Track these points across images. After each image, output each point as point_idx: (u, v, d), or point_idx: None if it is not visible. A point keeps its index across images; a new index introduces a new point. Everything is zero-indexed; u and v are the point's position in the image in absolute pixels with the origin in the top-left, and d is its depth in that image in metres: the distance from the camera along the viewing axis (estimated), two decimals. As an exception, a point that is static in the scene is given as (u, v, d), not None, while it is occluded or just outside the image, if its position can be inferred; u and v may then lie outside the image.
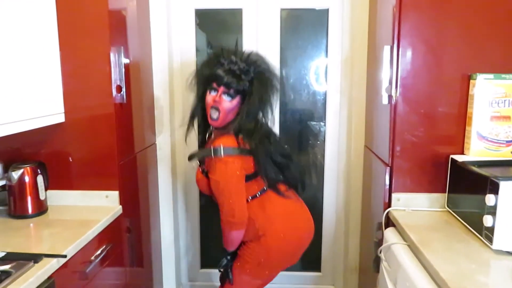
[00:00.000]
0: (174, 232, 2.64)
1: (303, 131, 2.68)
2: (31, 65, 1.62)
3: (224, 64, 1.65)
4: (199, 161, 1.79)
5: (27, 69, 1.60)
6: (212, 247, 2.85)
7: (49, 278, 1.32)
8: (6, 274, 1.22)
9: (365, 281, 2.37)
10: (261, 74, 1.70)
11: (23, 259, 1.31)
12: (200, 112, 1.77)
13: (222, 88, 1.63)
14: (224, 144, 1.61)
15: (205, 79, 1.69)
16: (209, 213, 2.82)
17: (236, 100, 1.66)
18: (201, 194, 2.75)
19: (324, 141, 2.62)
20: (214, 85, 1.65)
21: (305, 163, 2.59)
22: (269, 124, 1.79)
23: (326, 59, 2.52)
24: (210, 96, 1.67)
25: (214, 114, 1.65)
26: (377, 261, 1.88)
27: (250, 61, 1.69)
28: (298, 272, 2.76)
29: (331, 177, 2.63)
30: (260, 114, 1.72)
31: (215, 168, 1.62)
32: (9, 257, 1.33)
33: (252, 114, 1.66)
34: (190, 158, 1.78)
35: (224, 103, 1.64)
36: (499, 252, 1.37)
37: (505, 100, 1.66)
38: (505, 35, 1.72)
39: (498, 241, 1.36)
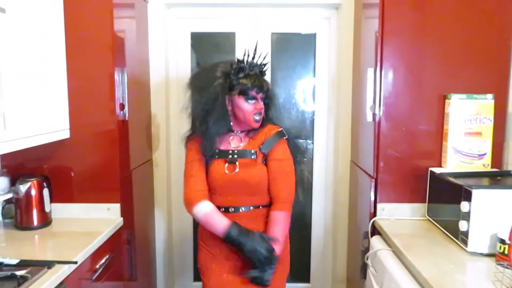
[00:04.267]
0: (168, 246, 2.72)
1: (291, 149, 2.80)
2: (40, 85, 1.72)
3: (247, 71, 1.67)
4: (236, 157, 1.71)
5: (36, 88, 1.70)
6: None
7: (61, 283, 1.41)
8: (23, 279, 1.31)
9: (353, 290, 2.49)
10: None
11: (37, 265, 1.40)
12: (221, 115, 1.69)
13: (261, 95, 1.71)
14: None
15: (229, 87, 1.67)
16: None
17: None
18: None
19: (312, 158, 2.76)
20: (253, 93, 1.66)
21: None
22: None
23: (314, 80, 2.69)
24: (250, 105, 1.67)
25: (258, 116, 1.71)
26: (364, 268, 2.01)
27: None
28: (288, 284, 2.84)
29: (319, 191, 2.77)
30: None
31: (283, 149, 1.74)
32: (23, 264, 1.41)
33: (277, 104, 1.82)
34: (265, 148, 1.73)
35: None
36: (474, 253, 1.52)
37: (476, 118, 1.84)
38: (477, 59, 1.92)
39: (473, 244, 1.51)
